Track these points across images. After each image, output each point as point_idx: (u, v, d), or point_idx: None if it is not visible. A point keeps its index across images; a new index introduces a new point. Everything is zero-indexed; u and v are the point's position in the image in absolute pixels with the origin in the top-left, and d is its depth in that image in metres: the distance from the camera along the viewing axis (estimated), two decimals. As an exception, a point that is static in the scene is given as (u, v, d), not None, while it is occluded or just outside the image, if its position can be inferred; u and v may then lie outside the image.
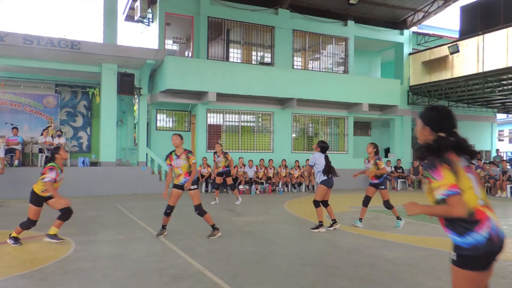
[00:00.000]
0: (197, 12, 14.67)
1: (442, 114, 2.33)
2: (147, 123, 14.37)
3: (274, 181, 14.38)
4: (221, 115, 15.26)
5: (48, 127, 13.71)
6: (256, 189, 13.91)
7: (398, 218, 7.51)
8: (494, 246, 2.12)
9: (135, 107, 14.61)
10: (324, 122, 17.27)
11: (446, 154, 2.20)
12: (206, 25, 14.75)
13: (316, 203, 7.06)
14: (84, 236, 6.32)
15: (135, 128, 14.80)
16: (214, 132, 15.09)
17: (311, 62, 17.21)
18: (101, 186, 12.36)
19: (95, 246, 5.80)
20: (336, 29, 17.06)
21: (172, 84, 13.31)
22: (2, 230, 6.73)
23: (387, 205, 7.51)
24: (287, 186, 14.79)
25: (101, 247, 5.83)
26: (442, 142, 2.23)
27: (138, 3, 14.86)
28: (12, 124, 12.95)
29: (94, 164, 13.35)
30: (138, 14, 14.99)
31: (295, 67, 16.42)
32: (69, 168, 12.51)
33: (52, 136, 13.02)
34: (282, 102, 15.73)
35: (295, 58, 16.51)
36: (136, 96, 13.95)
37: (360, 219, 7.58)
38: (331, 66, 17.27)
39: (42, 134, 12.98)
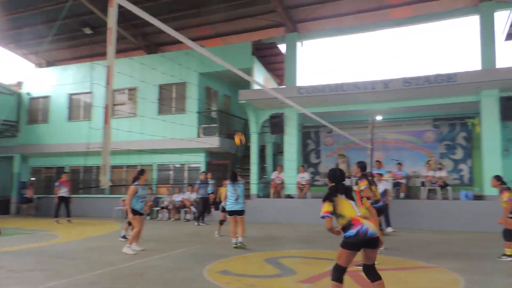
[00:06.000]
0: None
1: (335, 173, 4.31)
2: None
3: None
4: None
5: (428, 161, 14.19)
6: None
7: None
8: (359, 238, 3.87)
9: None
10: None
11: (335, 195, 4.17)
12: None
13: None
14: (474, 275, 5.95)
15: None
16: None
17: None
18: (485, 221, 11.30)
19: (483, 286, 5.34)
20: None
21: None
22: (395, 257, 7.45)
23: None
24: None
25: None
26: (332, 189, 4.23)
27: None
28: (396, 160, 14.33)
29: (477, 197, 12.52)
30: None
31: None
32: (451, 201, 12.40)
33: (433, 170, 13.36)
34: None
35: None
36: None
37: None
38: None
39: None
